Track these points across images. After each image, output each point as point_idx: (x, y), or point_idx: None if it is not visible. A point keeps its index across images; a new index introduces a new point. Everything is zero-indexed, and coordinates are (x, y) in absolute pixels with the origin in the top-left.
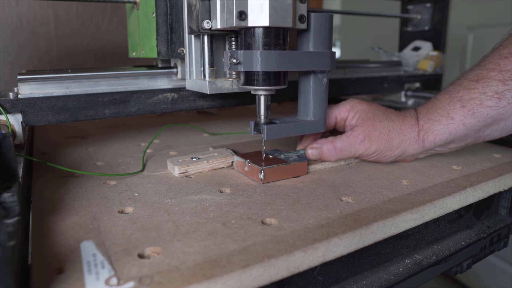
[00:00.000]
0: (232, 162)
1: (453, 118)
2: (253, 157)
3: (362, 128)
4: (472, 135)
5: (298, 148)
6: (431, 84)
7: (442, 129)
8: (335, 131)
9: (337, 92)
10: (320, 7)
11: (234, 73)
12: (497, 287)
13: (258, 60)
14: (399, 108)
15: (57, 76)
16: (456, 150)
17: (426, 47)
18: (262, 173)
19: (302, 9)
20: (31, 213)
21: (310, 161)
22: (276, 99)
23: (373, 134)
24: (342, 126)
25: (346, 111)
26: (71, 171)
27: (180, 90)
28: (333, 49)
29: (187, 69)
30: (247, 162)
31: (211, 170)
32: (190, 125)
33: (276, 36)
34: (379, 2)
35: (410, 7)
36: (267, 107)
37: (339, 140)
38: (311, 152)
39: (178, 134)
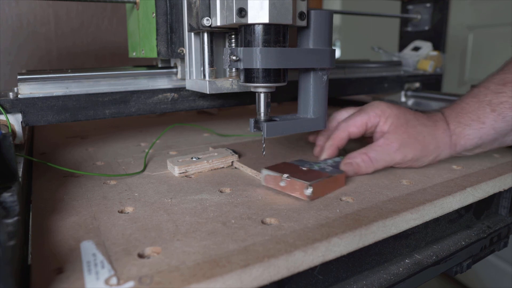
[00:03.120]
0: (232, 162)
1: (484, 123)
2: (284, 169)
3: (396, 135)
4: (499, 139)
5: (322, 156)
6: (431, 84)
7: (473, 134)
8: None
9: (337, 92)
10: (320, 7)
11: (234, 73)
12: (497, 287)
13: (258, 57)
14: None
15: (57, 76)
16: None
17: (426, 47)
18: (310, 189)
19: (302, 6)
20: (31, 213)
21: None
22: (276, 99)
23: (409, 141)
24: (370, 133)
25: (377, 117)
26: (71, 171)
27: (180, 90)
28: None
29: (187, 69)
30: (284, 176)
31: (211, 170)
32: (195, 125)
33: (276, 33)
34: (379, 2)
35: (410, 7)
36: (267, 105)
37: (372, 151)
38: (346, 169)
39: (178, 134)
